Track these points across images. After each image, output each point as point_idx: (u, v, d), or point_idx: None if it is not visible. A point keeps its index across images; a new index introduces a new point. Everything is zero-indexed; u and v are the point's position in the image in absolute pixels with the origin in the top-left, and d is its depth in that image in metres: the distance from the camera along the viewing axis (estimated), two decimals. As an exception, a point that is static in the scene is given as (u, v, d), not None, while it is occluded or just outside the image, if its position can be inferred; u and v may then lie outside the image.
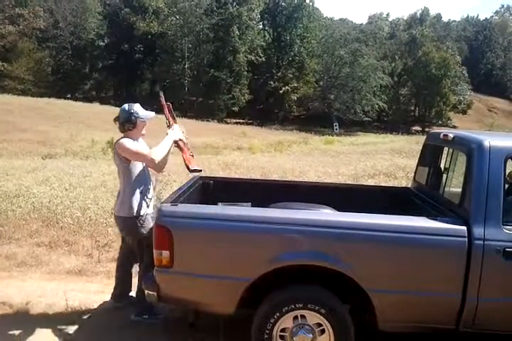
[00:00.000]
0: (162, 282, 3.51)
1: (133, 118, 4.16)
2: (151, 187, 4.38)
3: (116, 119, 4.21)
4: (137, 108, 4.21)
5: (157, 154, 4.00)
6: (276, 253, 3.31)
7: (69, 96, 51.65)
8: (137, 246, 4.20)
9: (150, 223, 4.21)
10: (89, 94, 58.77)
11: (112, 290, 4.63)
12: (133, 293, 4.50)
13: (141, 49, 60.51)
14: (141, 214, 4.17)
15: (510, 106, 76.09)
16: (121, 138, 4.16)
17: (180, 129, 4.32)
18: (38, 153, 19.39)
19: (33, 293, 4.83)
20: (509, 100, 77.97)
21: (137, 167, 4.17)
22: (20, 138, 23.27)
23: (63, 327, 4.15)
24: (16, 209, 7.62)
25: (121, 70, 57.68)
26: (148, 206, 4.27)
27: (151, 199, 4.34)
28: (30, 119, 28.65)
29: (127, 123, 4.16)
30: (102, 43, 60.50)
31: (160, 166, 4.09)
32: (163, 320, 4.25)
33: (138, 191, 4.18)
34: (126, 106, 4.21)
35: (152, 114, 4.33)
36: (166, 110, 4.39)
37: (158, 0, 59.54)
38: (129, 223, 4.16)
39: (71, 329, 4.14)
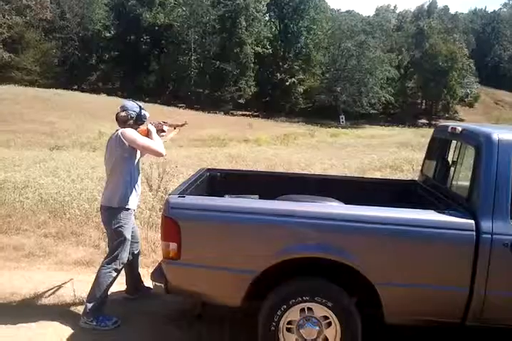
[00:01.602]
0: (169, 274, 3.53)
1: (143, 113, 4.24)
2: (140, 184, 4.41)
3: (122, 114, 4.19)
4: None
5: (161, 147, 4.20)
6: (283, 246, 3.31)
7: (76, 87, 51.69)
8: (118, 239, 4.14)
9: (133, 219, 4.31)
10: (96, 85, 58.69)
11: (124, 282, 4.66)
12: (148, 284, 4.49)
13: (148, 40, 60.47)
14: (131, 207, 4.20)
15: (517, 99, 75.59)
16: (125, 128, 4.17)
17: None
18: (46, 144, 19.48)
19: (41, 284, 4.86)
20: (516, 93, 77.42)
21: (134, 160, 4.22)
22: (28, 129, 23.37)
23: None
24: (24, 200, 7.67)
25: (128, 62, 57.57)
26: (136, 202, 4.32)
27: (139, 195, 4.39)
28: (37, 110, 28.73)
29: (141, 120, 4.24)
30: (108, 34, 60.46)
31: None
32: (115, 323, 4.10)
33: (131, 184, 4.20)
34: (134, 103, 4.28)
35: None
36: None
37: (164, -9, 59.43)
38: (117, 214, 4.13)
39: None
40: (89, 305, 4.06)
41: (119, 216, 4.13)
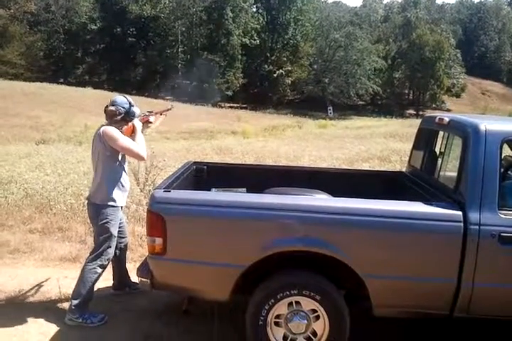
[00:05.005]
0: (155, 269, 3.48)
1: (132, 110, 4.14)
2: (128, 179, 4.34)
3: (111, 108, 4.09)
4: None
5: (143, 150, 4.11)
6: (271, 239, 3.27)
7: (61, 80, 51.18)
8: (104, 235, 4.08)
9: (120, 216, 4.25)
10: (82, 78, 58.17)
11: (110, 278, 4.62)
12: (135, 280, 4.43)
13: (134, 33, 59.91)
14: (117, 204, 4.14)
15: (503, 89, 75.95)
16: (108, 125, 4.09)
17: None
18: (31, 138, 19.30)
19: (26, 281, 4.80)
20: (502, 83, 77.81)
21: (117, 157, 4.14)
22: (13, 123, 23.12)
23: None
24: (9, 195, 7.57)
25: (114, 54, 57.09)
26: (124, 198, 4.27)
27: (127, 191, 4.32)
28: (22, 104, 28.42)
29: (129, 117, 4.14)
30: (94, 27, 59.76)
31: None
32: (101, 320, 4.04)
33: (116, 181, 4.14)
34: (124, 98, 4.18)
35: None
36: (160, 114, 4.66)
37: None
38: (104, 210, 4.06)
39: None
40: (75, 302, 4.01)
41: (106, 212, 4.07)
